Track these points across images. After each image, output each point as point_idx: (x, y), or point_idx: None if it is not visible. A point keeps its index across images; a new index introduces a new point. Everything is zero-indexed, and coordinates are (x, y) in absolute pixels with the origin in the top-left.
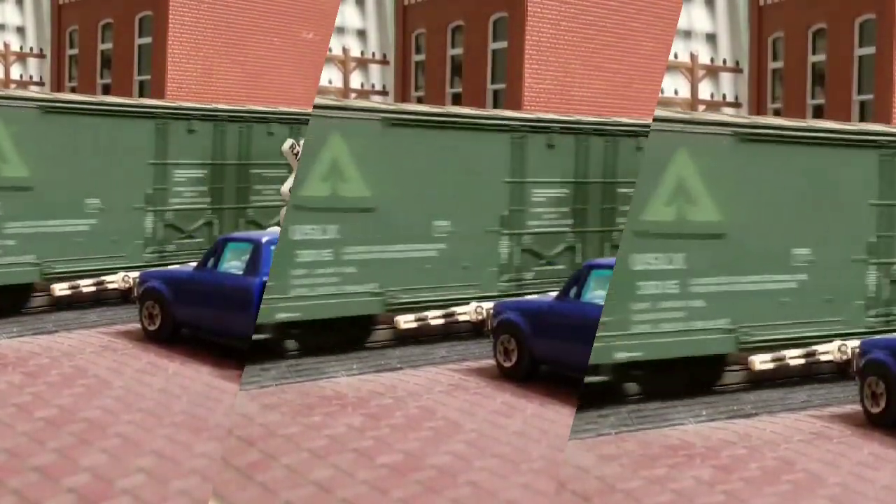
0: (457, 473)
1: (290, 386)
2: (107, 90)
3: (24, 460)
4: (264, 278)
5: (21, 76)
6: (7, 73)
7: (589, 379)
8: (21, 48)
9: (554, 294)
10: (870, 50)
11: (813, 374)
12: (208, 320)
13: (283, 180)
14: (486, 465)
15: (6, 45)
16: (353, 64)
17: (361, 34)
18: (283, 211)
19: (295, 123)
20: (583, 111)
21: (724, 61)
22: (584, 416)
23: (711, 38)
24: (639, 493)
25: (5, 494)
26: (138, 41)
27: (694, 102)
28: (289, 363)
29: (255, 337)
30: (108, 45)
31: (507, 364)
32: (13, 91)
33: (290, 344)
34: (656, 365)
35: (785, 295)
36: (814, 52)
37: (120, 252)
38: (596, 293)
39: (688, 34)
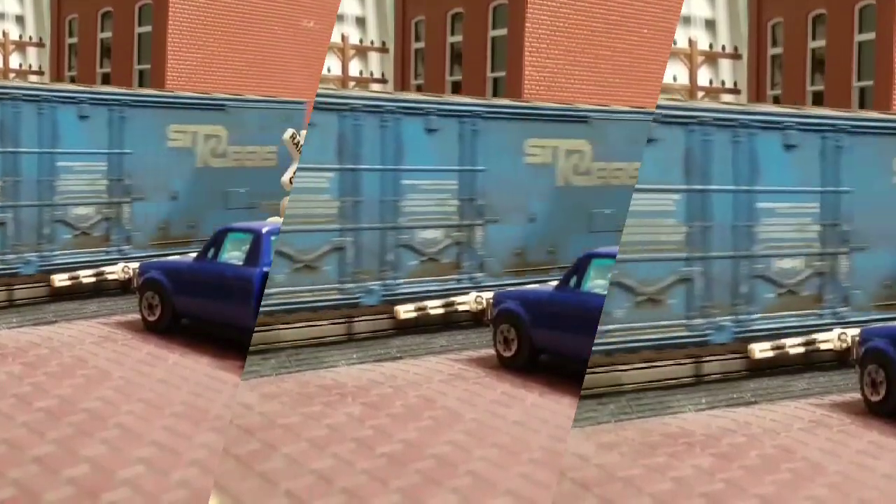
0: (457, 463)
1: (290, 375)
2: (106, 79)
3: (23, 451)
4: (265, 269)
5: (20, 65)
6: (6, 62)
7: (589, 368)
8: (20, 37)
9: (554, 283)
10: (870, 36)
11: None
12: (208, 311)
13: None
14: (485, 454)
15: (5, 35)
16: (352, 52)
17: (360, 22)
18: (285, 201)
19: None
20: (583, 98)
21: (724, 47)
22: (584, 404)
23: (710, 25)
24: (639, 482)
25: (5, 485)
26: (138, 30)
27: (693, 89)
28: (288, 353)
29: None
30: (108, 34)
31: (507, 353)
32: None
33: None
34: None
35: None
36: (813, 38)
37: None
38: (596, 282)
39: (687, 20)
